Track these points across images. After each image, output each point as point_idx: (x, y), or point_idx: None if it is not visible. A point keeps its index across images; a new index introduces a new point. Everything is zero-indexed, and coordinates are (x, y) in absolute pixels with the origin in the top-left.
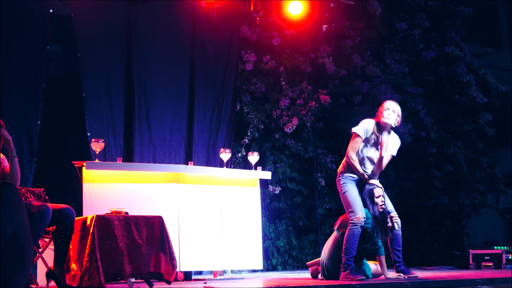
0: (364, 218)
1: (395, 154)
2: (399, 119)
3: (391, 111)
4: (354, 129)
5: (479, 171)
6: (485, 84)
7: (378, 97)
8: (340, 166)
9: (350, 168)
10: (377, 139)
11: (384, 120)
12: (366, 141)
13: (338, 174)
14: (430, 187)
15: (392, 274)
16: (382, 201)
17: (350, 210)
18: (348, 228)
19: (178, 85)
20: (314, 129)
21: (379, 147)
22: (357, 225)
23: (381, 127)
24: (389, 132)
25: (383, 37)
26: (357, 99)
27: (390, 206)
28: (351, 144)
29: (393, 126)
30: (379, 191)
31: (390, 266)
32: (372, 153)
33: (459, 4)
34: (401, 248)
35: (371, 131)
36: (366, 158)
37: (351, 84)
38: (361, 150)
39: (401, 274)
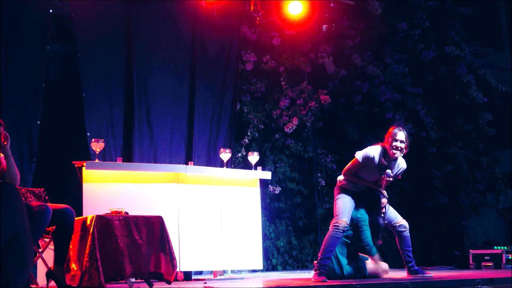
0: (348, 224)
1: (399, 177)
2: (406, 146)
3: (399, 142)
4: (356, 154)
5: (479, 171)
6: (485, 84)
7: (378, 97)
8: (341, 179)
9: (351, 184)
10: (381, 167)
11: (393, 152)
12: (367, 166)
13: (337, 185)
14: (430, 187)
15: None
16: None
17: (336, 214)
18: (330, 230)
19: (178, 85)
20: (314, 129)
21: (380, 175)
22: (339, 228)
23: (388, 156)
24: (396, 159)
25: (383, 37)
26: (357, 99)
27: (393, 214)
28: (350, 166)
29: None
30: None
31: (402, 267)
32: (370, 176)
33: (459, 4)
34: (411, 248)
35: (376, 159)
36: (362, 179)
37: (351, 84)
38: (360, 171)
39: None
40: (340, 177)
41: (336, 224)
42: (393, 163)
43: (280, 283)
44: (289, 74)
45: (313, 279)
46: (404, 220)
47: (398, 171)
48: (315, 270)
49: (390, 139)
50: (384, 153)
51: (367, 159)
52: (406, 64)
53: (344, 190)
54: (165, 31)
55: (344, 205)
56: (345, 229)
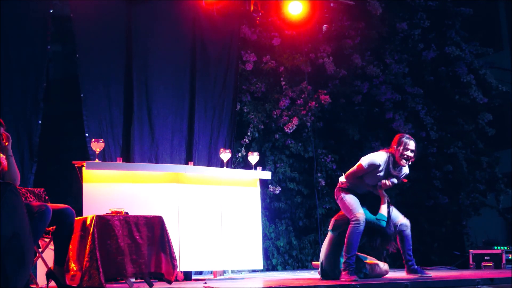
0: (365, 215)
1: (405, 180)
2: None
3: (410, 152)
4: (362, 160)
5: (479, 171)
6: (485, 84)
7: (378, 97)
8: (343, 181)
9: (353, 186)
10: (386, 174)
11: (403, 162)
12: (371, 172)
13: (338, 186)
14: (430, 187)
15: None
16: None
17: (350, 210)
18: (350, 226)
19: (179, 85)
20: (314, 129)
21: (383, 182)
22: (359, 223)
23: (396, 164)
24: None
25: (383, 37)
26: (357, 99)
27: (395, 213)
28: (354, 171)
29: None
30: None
31: (401, 266)
32: (374, 181)
33: (459, 4)
34: (411, 247)
35: (382, 167)
36: (365, 183)
37: (351, 84)
38: (364, 176)
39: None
40: (342, 179)
41: (355, 219)
42: (398, 169)
43: (280, 283)
44: (289, 74)
45: (343, 279)
46: (406, 219)
47: (401, 176)
48: (344, 270)
49: (400, 148)
50: (393, 161)
51: (373, 166)
52: (406, 64)
53: (346, 190)
54: (165, 31)
55: (353, 200)
56: (365, 221)
